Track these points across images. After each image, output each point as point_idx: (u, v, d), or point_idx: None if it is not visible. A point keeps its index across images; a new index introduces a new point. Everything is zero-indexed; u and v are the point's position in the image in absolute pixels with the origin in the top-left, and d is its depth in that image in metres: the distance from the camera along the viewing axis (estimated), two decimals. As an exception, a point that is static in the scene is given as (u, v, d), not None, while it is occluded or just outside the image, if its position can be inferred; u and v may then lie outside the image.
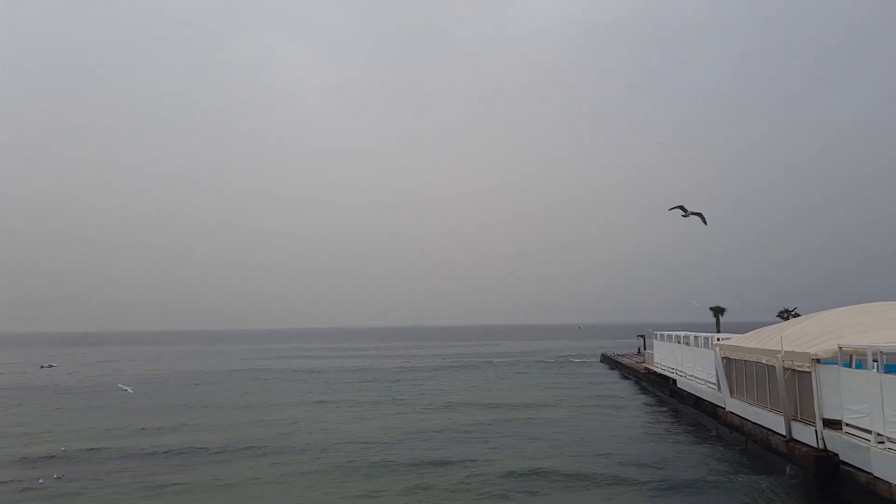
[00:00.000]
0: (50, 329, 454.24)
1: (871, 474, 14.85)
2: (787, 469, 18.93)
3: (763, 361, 21.60)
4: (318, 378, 58.79)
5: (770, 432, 20.75)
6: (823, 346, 18.13)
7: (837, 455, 16.62)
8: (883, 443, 14.78)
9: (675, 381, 36.19)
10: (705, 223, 30.30)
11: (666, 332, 41.36)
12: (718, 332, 45.71)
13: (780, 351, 19.71)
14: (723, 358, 26.27)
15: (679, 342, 36.73)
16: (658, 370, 41.64)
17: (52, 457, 24.23)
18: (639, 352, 66.55)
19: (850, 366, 17.45)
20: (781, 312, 55.21)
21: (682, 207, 29.94)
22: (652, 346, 46.87)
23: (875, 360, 15.43)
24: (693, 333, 34.71)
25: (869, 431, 15.39)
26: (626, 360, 60.58)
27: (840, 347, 17.27)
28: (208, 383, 54.81)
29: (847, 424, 16.51)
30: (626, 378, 53.37)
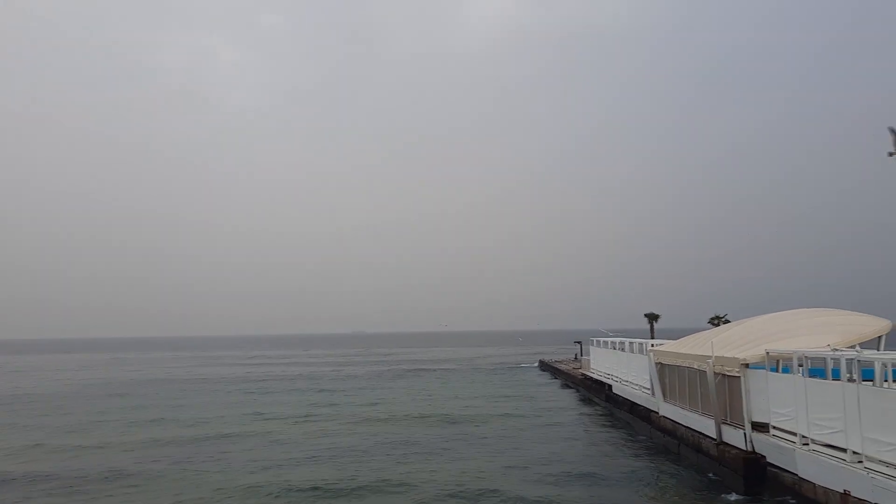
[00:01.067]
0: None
1: (797, 475, 15.36)
2: (714, 473, 19.44)
3: (695, 367, 22.16)
4: (250, 387, 57.27)
5: (701, 436, 21.27)
6: (752, 352, 18.72)
7: (765, 457, 17.14)
8: (807, 444, 15.33)
9: (610, 386, 36.80)
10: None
11: (602, 339, 42.11)
12: (652, 338, 46.83)
13: (711, 356, 20.25)
14: (656, 363, 26.83)
15: (615, 348, 37.42)
16: (594, 376, 42.26)
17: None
18: (576, 358, 67.48)
19: (777, 370, 18.08)
20: (712, 319, 57.11)
21: None
22: (588, 353, 47.65)
23: (800, 365, 16.00)
24: (628, 339, 35.43)
25: (794, 434, 15.94)
26: (563, 367, 61.27)
27: (767, 353, 17.87)
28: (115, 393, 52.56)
29: (774, 427, 17.07)
30: (565, 385, 53.98)
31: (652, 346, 30.32)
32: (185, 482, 20.66)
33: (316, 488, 19.57)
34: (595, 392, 41.27)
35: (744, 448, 18.09)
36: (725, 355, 19.79)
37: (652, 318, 53.95)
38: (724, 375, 19.81)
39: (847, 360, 14.43)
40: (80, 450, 26.70)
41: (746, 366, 18.50)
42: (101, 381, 66.61)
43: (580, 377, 47.75)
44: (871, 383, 13.49)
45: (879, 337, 18.50)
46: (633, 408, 30.93)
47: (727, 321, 52.16)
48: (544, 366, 73.32)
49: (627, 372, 33.66)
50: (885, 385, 13.73)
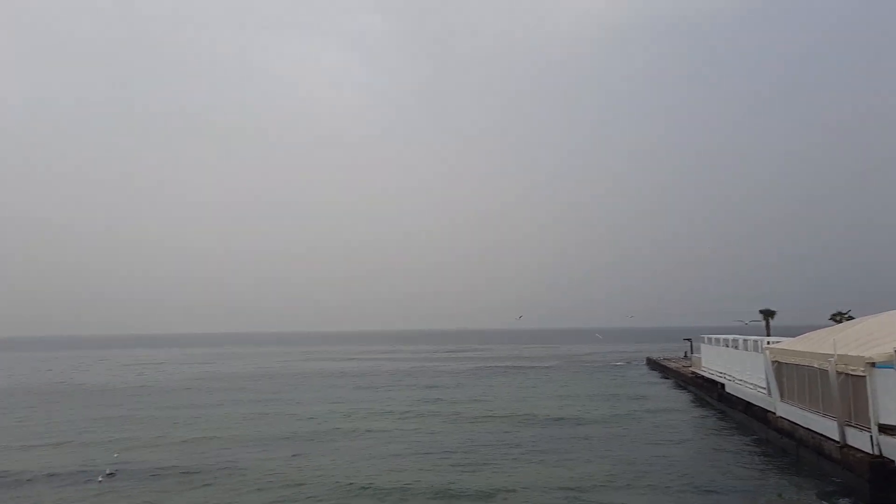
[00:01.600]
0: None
1: (930, 481, 14.46)
2: (837, 477, 18.52)
3: (815, 366, 21.14)
4: (342, 383, 59.45)
5: (822, 438, 20.28)
6: (879, 350, 17.67)
7: (893, 461, 16.20)
8: (942, 449, 14.39)
9: (723, 385, 35.55)
10: None
11: (714, 336, 40.64)
12: (768, 335, 44.62)
13: (834, 355, 19.28)
14: (773, 362, 25.74)
15: (727, 346, 36.08)
16: (706, 374, 40.92)
17: None
18: (686, 356, 65.45)
19: (907, 370, 17.00)
20: (834, 315, 53.45)
21: None
22: (699, 350, 46.15)
23: (933, 365, 15.02)
24: (742, 337, 34.08)
25: (927, 437, 14.99)
26: (672, 365, 59.65)
27: (896, 351, 16.84)
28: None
29: (904, 430, 16.10)
30: (676, 385, 52.49)
31: (768, 343, 29.05)
32: (302, 478, 21.48)
33: (422, 489, 19.85)
34: (706, 391, 39.94)
35: (870, 452, 17.13)
36: (849, 354, 18.78)
37: (767, 314, 51.26)
38: (847, 375, 18.81)
39: None
40: (199, 441, 28.54)
41: (873, 365, 17.48)
42: (217, 375, 71.43)
43: (690, 375, 46.34)
44: None
45: None
46: (748, 408, 29.77)
47: (850, 318, 48.80)
48: (653, 364, 71.53)
49: (742, 370, 32.41)
50: None
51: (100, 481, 21.06)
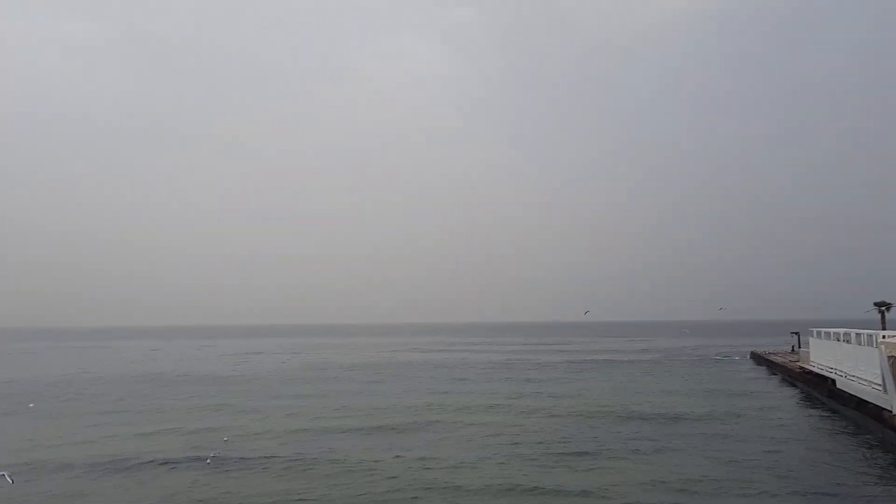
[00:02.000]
0: None
1: None
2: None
3: (937, 361, 19.53)
4: (448, 373, 60.08)
5: (946, 439, 18.74)
6: None
7: None
8: None
9: (834, 381, 33.45)
10: None
11: (823, 329, 38.29)
12: (884, 328, 41.46)
13: (957, 350, 17.75)
14: (889, 357, 23.99)
15: (839, 340, 33.89)
16: (815, 369, 38.62)
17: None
18: (793, 350, 61.99)
19: None
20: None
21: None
22: (807, 344, 43.62)
23: None
24: (854, 330, 31.91)
25: None
26: (778, 359, 56.70)
27: None
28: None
29: None
30: (783, 381, 49.86)
31: (883, 337, 27.05)
32: (402, 470, 21.92)
33: (522, 484, 19.81)
34: (815, 387, 37.71)
35: None
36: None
37: (883, 307, 47.48)
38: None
39: None
40: (303, 430, 29.73)
41: None
42: (316, 365, 73.99)
43: (798, 371, 43.88)
44: None
45: None
46: (860, 405, 27.90)
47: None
48: (757, 358, 68.25)
49: (854, 366, 30.35)
50: None
51: (207, 463, 22.59)
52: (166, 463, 23.13)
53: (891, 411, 23.99)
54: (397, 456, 23.93)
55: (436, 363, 73.53)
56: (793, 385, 44.77)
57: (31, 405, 38.21)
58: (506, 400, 39.28)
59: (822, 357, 37.50)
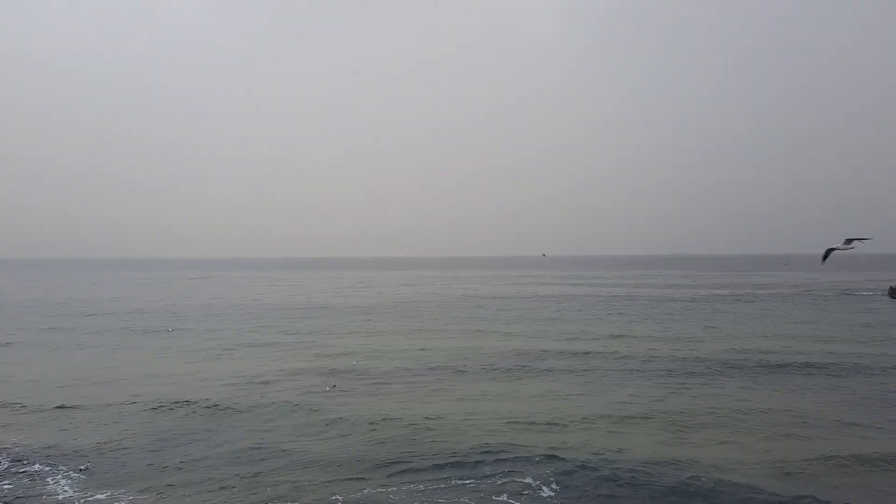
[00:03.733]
0: None
1: None
2: None
3: None
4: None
5: None
6: None
7: None
8: None
9: None
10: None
11: None
12: None
13: None
14: None
15: None
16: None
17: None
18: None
19: None
20: None
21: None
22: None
23: None
24: None
25: None
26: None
27: None
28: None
29: None
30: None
31: None
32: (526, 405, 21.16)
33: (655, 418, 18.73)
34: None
35: None
36: None
37: None
38: None
39: None
40: (423, 353, 30.14)
41: None
42: (436, 295, 74.39)
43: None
44: None
45: None
46: None
47: None
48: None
49: None
50: None
51: (333, 386, 22.94)
52: (303, 379, 24.02)
53: None
54: (519, 385, 23.45)
55: (544, 297, 72.04)
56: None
57: (170, 329, 40.49)
58: (662, 332, 37.41)
59: None
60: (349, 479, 13.52)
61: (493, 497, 12.40)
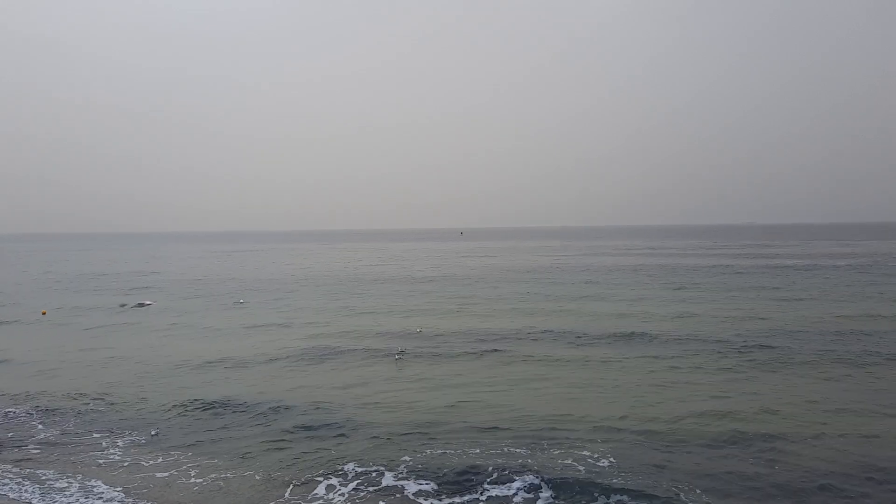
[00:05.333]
0: None
1: None
2: None
3: None
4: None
5: None
6: None
7: None
8: None
9: None
10: None
11: None
12: None
13: None
14: None
15: None
16: None
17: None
18: None
19: None
20: None
21: None
22: None
23: None
24: None
25: None
26: None
27: None
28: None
29: None
30: None
31: None
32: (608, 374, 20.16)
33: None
34: None
35: None
36: None
37: None
38: None
39: None
40: (482, 330, 30.06)
41: None
42: (512, 267, 70.46)
43: None
44: None
45: None
46: None
47: None
48: None
49: None
50: None
51: (398, 357, 23.20)
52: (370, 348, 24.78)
53: None
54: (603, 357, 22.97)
55: (655, 266, 68.28)
56: None
57: (241, 301, 41.30)
58: (726, 304, 35.69)
59: None
60: (417, 441, 14.04)
61: (550, 465, 12.36)
